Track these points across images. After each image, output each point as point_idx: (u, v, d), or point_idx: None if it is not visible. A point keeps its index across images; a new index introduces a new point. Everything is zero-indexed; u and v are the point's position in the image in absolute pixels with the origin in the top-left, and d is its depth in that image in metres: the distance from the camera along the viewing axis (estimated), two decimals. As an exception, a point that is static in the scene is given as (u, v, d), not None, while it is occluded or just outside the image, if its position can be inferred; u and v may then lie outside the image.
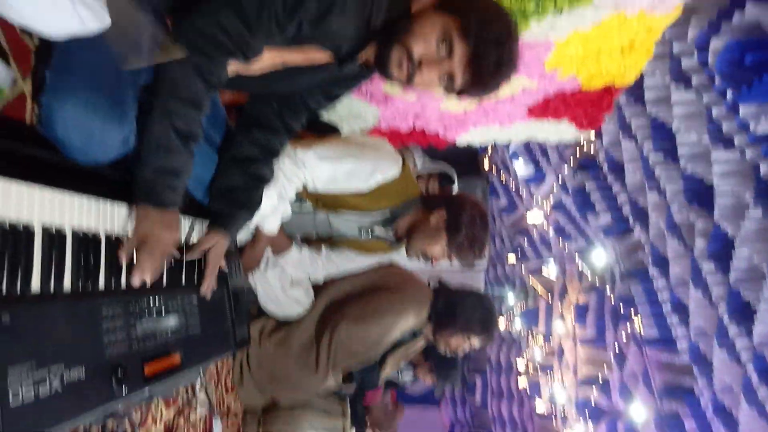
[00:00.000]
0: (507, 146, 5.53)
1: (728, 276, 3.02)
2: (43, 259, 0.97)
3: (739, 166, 2.95)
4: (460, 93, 1.40)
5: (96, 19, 1.00)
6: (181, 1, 1.26)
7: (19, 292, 0.90)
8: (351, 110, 2.60)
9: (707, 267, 3.19)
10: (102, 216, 1.14)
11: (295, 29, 1.22)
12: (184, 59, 1.13)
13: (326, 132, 2.43)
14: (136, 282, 1.14)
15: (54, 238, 1.00)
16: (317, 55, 1.41)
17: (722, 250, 3.09)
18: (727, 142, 2.96)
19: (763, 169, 2.72)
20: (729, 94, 2.86)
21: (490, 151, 6.07)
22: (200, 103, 1.18)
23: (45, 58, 1.11)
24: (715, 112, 3.01)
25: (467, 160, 5.39)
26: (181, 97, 1.14)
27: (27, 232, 0.95)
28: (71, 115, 1.04)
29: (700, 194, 3.27)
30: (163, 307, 1.24)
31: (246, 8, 1.15)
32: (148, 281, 1.17)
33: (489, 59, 1.29)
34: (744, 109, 2.73)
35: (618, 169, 4.11)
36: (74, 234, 1.05)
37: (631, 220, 4.12)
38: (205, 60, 1.15)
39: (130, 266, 1.15)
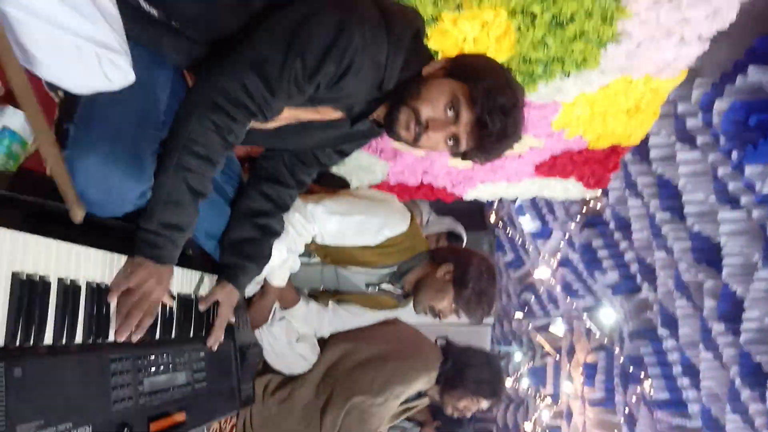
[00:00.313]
0: (513, 201, 5.56)
1: (739, 337, 2.98)
2: (57, 311, 0.98)
3: (746, 226, 2.95)
4: (465, 156, 1.43)
5: (122, 76, 1.03)
6: (202, 60, 1.30)
7: (31, 345, 0.90)
8: (360, 164, 2.64)
9: (717, 328, 3.14)
10: (114, 269, 1.15)
11: (312, 90, 1.26)
12: (204, 118, 1.15)
13: (335, 184, 2.46)
14: (121, 338, 1.11)
15: (69, 291, 1.01)
16: (330, 114, 1.44)
17: (732, 310, 3.05)
18: (734, 202, 2.97)
19: (771, 229, 2.73)
20: (734, 154, 2.89)
21: (496, 205, 6.09)
22: (217, 161, 1.20)
23: (69, 112, 1.14)
24: (720, 171, 3.03)
25: (474, 213, 5.41)
26: (199, 153, 1.16)
27: (43, 284, 0.96)
28: (92, 169, 1.06)
29: (709, 253, 3.25)
30: (170, 362, 1.24)
31: (269, 71, 1.18)
32: (134, 337, 1.14)
33: (494, 128, 1.31)
34: (750, 170, 2.75)
35: (625, 226, 4.12)
36: (88, 286, 1.06)
37: (639, 279, 4.09)
38: (228, 120, 1.17)
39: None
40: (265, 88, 1.18)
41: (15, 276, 0.90)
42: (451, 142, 1.36)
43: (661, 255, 3.71)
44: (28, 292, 0.92)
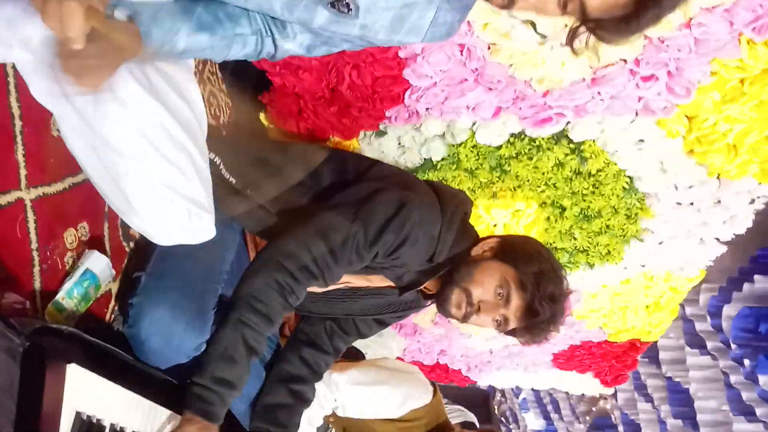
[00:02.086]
0: (517, 395, 5.41)
1: None
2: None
3: (764, 440, 2.86)
4: (510, 333, 1.46)
5: (204, 233, 1.10)
6: (268, 227, 1.39)
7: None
8: (377, 339, 2.64)
9: None
10: (157, 422, 1.12)
11: (371, 259, 1.32)
12: (269, 277, 1.20)
13: (351, 356, 2.44)
14: None
15: (117, 439, 0.98)
16: (379, 282, 1.49)
17: None
18: (749, 413, 2.91)
19: (788, 445, 2.64)
20: (747, 362, 2.89)
21: (499, 398, 5.91)
22: (275, 320, 1.22)
23: (140, 262, 1.19)
24: (733, 378, 3.00)
25: (479, 404, 5.24)
26: (260, 311, 1.18)
27: (99, 428, 0.93)
28: (159, 318, 1.09)
29: (724, 465, 3.11)
30: None
31: (333, 238, 1.26)
32: None
33: (543, 315, 1.37)
34: (764, 379, 2.73)
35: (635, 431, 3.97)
36: (133, 436, 1.03)
37: (651, 490, 3.85)
38: (291, 281, 1.22)
39: None
40: (329, 254, 1.25)
41: (78, 415, 0.89)
42: (499, 321, 1.40)
43: (674, 465, 3.54)
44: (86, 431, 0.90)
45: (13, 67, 0.95)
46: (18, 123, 0.98)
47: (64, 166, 1.09)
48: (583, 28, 0.89)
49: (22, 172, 1.01)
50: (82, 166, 1.05)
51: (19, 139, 0.99)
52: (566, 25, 1.42)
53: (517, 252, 1.41)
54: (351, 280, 1.48)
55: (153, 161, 1.00)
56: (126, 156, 0.99)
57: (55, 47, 0.82)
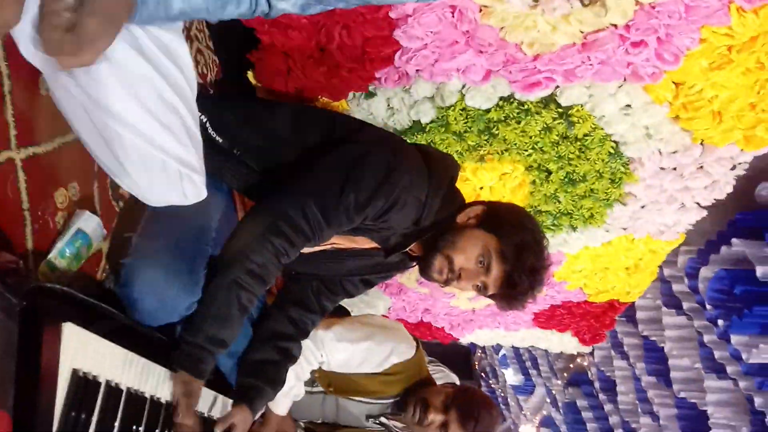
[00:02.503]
0: (497, 351, 5.55)
1: None
2: (100, 413, 0.97)
3: (733, 396, 2.97)
4: (490, 297, 1.50)
5: (196, 194, 1.10)
6: (255, 185, 1.40)
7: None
8: (362, 297, 2.68)
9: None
10: (150, 376, 1.15)
11: (360, 221, 1.34)
12: (264, 238, 1.21)
13: (336, 313, 2.48)
14: None
15: (111, 393, 1.01)
16: (365, 243, 1.51)
17: (718, 481, 2.98)
18: (720, 371, 3.01)
19: (757, 401, 2.75)
20: (720, 322, 2.97)
21: (479, 354, 6.05)
22: (269, 281, 1.24)
23: (130, 223, 1.20)
24: (706, 338, 3.09)
25: (460, 359, 5.37)
26: (254, 272, 1.20)
27: (95, 384, 0.96)
28: (151, 279, 1.10)
29: (695, 420, 3.23)
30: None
31: (327, 201, 1.27)
32: None
33: (522, 286, 1.40)
34: (736, 339, 2.82)
35: (610, 388, 4.09)
36: (128, 392, 1.06)
37: (624, 443, 4.00)
38: (286, 244, 1.24)
39: None
40: (321, 216, 1.26)
41: (74, 372, 0.91)
42: (479, 287, 1.43)
43: (646, 420, 3.67)
44: (84, 389, 0.92)
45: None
46: (7, 83, 0.97)
47: (53, 126, 1.09)
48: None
49: (12, 132, 1.00)
50: (72, 127, 1.04)
51: (8, 98, 0.98)
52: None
53: (501, 222, 1.43)
54: (337, 242, 1.49)
55: (145, 123, 0.99)
56: (118, 118, 0.98)
57: (43, 21, 0.77)
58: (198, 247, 1.21)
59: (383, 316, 2.82)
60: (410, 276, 2.48)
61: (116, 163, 1.03)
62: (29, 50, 0.93)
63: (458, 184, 1.59)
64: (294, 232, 1.23)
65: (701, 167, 1.93)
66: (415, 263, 1.57)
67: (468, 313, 2.71)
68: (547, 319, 2.69)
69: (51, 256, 1.06)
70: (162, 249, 1.14)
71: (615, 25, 1.52)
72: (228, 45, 1.85)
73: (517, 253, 1.39)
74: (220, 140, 1.37)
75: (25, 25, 0.89)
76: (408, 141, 1.80)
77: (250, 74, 1.77)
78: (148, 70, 0.98)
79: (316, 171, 1.32)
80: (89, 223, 1.10)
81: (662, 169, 1.93)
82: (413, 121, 1.86)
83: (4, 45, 0.96)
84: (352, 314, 2.71)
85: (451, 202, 1.48)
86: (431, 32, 1.57)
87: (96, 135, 1.02)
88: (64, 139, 1.12)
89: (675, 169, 1.94)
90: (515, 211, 1.52)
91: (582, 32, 1.54)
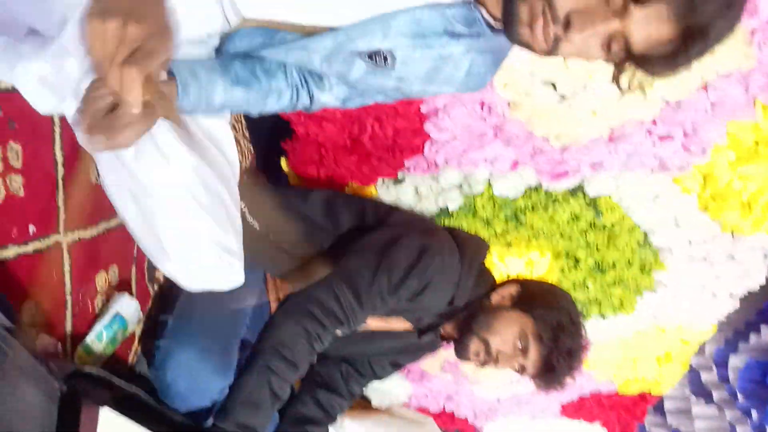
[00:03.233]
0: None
1: None
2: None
3: (774, 495, 2.81)
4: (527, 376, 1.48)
5: (234, 280, 1.12)
6: (289, 270, 1.42)
7: None
8: (383, 383, 2.62)
9: None
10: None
11: (394, 303, 1.34)
12: (297, 324, 1.22)
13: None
14: None
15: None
16: (398, 324, 1.51)
17: None
18: (759, 467, 2.87)
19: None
20: (754, 413, 2.86)
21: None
22: (300, 367, 1.23)
23: (165, 306, 1.21)
24: (740, 430, 2.97)
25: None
26: (286, 357, 1.20)
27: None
28: (186, 361, 1.10)
29: None
30: None
31: (359, 284, 1.28)
32: None
33: (560, 369, 1.39)
34: (772, 432, 2.71)
35: (641, 482, 3.90)
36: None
37: None
38: (319, 327, 1.24)
39: None
40: (354, 300, 1.27)
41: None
42: (517, 369, 1.42)
43: None
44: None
45: (60, 117, 0.99)
46: (61, 170, 1.02)
47: (99, 211, 1.13)
48: (628, 63, 0.86)
49: (61, 216, 1.04)
50: (118, 212, 1.07)
51: (60, 184, 1.02)
52: (586, 86, 1.47)
53: (536, 301, 1.43)
54: (369, 323, 1.49)
55: (190, 210, 1.02)
56: (163, 203, 1.01)
57: (84, 106, 0.78)
58: (232, 330, 1.22)
59: (403, 404, 2.75)
60: (433, 362, 2.43)
61: (159, 248, 1.06)
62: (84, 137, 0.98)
63: (486, 268, 1.60)
64: (326, 316, 1.24)
65: (732, 257, 1.91)
66: (446, 343, 1.56)
67: (492, 402, 2.63)
68: (575, 410, 2.60)
69: (88, 339, 1.07)
70: (197, 332, 1.15)
71: (642, 121, 1.56)
72: (261, 133, 1.92)
73: (555, 335, 1.38)
74: (257, 225, 1.41)
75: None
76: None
77: (283, 161, 1.83)
78: (194, 157, 1.02)
79: (348, 256, 1.35)
80: (128, 307, 1.12)
81: (692, 258, 1.91)
82: (440, 207, 1.89)
83: (62, 135, 1.02)
84: (372, 401, 2.65)
85: (485, 281, 1.50)
86: (460, 125, 1.62)
87: (141, 219, 1.05)
88: (108, 224, 1.15)
89: (705, 258, 1.92)
90: (550, 291, 1.52)
91: (609, 127, 1.59)
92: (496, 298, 1.46)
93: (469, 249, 1.47)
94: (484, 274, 1.53)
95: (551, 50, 0.83)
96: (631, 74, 0.90)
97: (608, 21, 0.78)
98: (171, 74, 0.94)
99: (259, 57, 1.04)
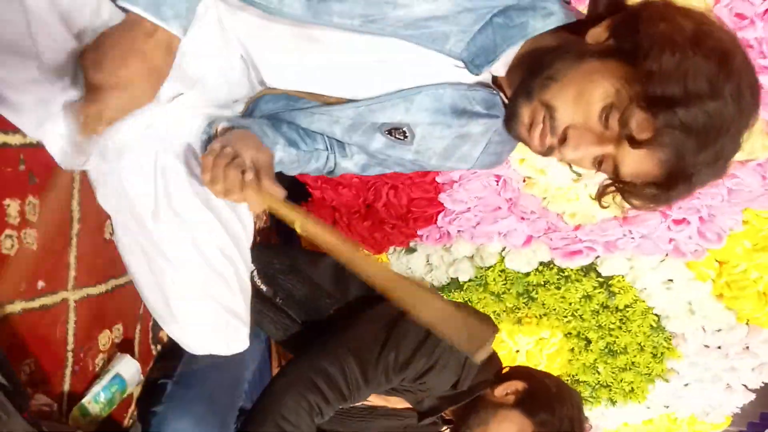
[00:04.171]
0: None
1: None
2: None
3: None
4: None
5: (238, 345, 1.09)
6: (294, 336, 1.39)
7: None
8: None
9: None
10: None
11: (398, 382, 1.30)
12: (300, 396, 1.18)
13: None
14: None
15: None
16: (398, 403, 1.46)
17: None
18: None
19: None
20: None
21: None
22: None
23: (166, 368, 1.18)
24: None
25: None
26: (285, 430, 1.16)
27: None
28: (183, 429, 1.06)
29: None
30: None
31: (366, 359, 1.25)
32: None
33: None
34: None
35: None
36: None
37: None
38: (322, 402, 1.20)
39: None
40: (360, 375, 1.23)
41: None
42: None
43: None
44: None
45: (81, 173, 1.00)
46: (76, 226, 1.02)
47: (109, 268, 1.12)
48: (612, 188, 0.89)
49: (71, 273, 1.03)
50: (128, 269, 1.06)
51: (74, 241, 1.02)
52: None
53: (540, 406, 1.35)
54: (370, 399, 1.45)
55: (201, 272, 1.01)
56: (175, 264, 1.00)
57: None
58: (231, 399, 1.18)
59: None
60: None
61: (166, 308, 1.04)
62: (106, 196, 0.98)
63: (494, 346, 1.55)
64: (330, 389, 1.20)
65: (747, 347, 1.87)
66: (446, 428, 1.50)
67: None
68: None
69: (85, 400, 1.04)
70: (195, 399, 1.11)
71: (657, 203, 1.55)
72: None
73: None
74: (264, 288, 1.39)
75: (107, 174, 0.95)
76: (445, 298, 1.79)
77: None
78: (210, 220, 1.02)
79: (356, 327, 1.32)
80: (129, 368, 1.09)
81: (706, 346, 1.87)
82: (451, 278, 1.87)
83: (80, 190, 1.02)
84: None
85: (491, 365, 1.44)
86: (475, 197, 1.62)
87: (151, 278, 1.04)
88: (117, 281, 1.14)
89: (720, 347, 1.88)
90: (557, 395, 1.44)
91: (623, 207, 1.58)
92: (500, 391, 1.40)
93: None
94: (491, 357, 1.47)
95: (545, 154, 0.86)
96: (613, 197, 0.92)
97: (603, 145, 0.81)
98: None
99: (287, 121, 1.05)
